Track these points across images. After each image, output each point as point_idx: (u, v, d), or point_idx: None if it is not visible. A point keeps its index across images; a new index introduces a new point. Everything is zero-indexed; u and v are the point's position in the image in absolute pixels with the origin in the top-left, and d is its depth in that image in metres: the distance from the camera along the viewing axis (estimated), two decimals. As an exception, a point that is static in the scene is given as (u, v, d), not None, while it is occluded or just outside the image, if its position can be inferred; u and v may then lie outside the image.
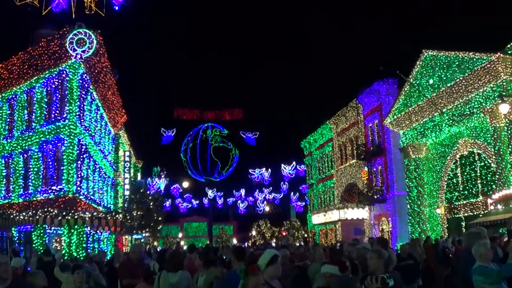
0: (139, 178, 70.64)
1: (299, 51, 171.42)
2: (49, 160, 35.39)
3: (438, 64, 36.22)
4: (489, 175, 33.92)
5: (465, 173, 36.79)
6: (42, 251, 21.25)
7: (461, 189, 37.28)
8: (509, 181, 30.27)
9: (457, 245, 18.91)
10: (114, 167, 53.59)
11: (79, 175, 35.50)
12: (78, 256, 28.10)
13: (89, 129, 38.91)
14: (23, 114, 37.45)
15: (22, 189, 36.36)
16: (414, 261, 14.39)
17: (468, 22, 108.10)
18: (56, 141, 34.90)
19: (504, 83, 30.28)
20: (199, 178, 61.58)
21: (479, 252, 7.68)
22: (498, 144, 31.04)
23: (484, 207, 33.53)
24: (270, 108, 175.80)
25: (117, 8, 21.39)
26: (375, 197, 47.29)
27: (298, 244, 37.51)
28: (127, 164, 56.55)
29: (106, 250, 36.95)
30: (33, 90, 36.96)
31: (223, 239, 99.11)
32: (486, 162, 34.26)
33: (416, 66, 38.37)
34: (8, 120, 38.51)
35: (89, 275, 10.86)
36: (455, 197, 37.90)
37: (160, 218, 58.27)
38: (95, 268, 12.49)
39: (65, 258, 17.97)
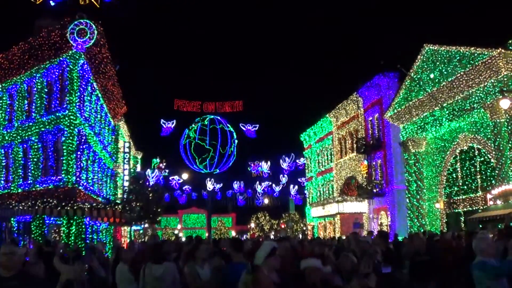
0: (138, 169, 70.63)
1: (300, 44, 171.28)
2: (49, 150, 35.34)
3: (439, 58, 36.20)
4: (488, 170, 33.94)
5: (465, 168, 36.81)
6: (42, 241, 21.27)
7: (460, 184, 37.31)
8: (508, 177, 30.30)
9: (457, 240, 18.80)
10: (113, 158, 53.57)
11: (79, 166, 35.45)
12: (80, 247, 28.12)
13: (89, 119, 38.87)
14: (23, 104, 37.38)
15: (21, 179, 36.31)
16: (432, 257, 14.04)
17: (469, 17, 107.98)
18: (56, 132, 34.84)
19: (505, 79, 30.27)
20: (200, 170, 61.50)
21: (479, 247, 7.65)
22: (498, 139, 31.06)
23: (483, 202, 33.56)
24: (270, 101, 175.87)
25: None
26: (374, 190, 47.30)
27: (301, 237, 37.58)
28: (126, 155, 56.52)
29: (105, 241, 37.04)
30: (34, 80, 36.88)
31: (221, 231, 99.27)
32: (486, 157, 34.28)
33: (417, 60, 38.36)
34: (8, 110, 38.43)
35: (89, 266, 10.88)
36: (454, 192, 37.93)
37: (159, 210, 58.28)
38: (94, 259, 12.49)
39: (69, 249, 17.94)
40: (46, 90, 36.19)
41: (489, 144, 33.01)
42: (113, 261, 14.91)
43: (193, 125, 60.69)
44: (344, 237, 24.78)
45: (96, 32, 33.51)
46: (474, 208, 34.83)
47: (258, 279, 6.02)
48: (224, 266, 9.10)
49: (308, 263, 7.11)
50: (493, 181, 32.26)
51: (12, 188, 36.45)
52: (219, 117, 61.38)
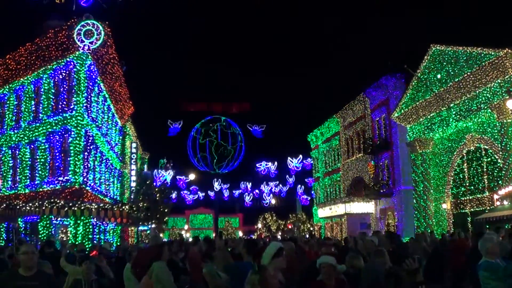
0: (145, 169, 70.78)
1: (307, 45, 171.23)
2: (56, 151, 35.48)
3: (446, 59, 36.11)
4: (495, 171, 33.85)
5: (472, 169, 36.73)
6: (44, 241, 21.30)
7: (467, 184, 37.23)
8: (515, 177, 30.22)
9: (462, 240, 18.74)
10: (120, 158, 53.68)
11: (86, 166, 35.57)
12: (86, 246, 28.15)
13: (96, 120, 38.97)
14: (30, 105, 37.53)
15: (28, 180, 36.47)
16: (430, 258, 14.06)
17: (476, 17, 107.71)
18: (63, 132, 34.98)
19: (512, 79, 30.21)
20: (206, 169, 61.45)
21: (485, 247, 7.64)
22: (505, 139, 30.97)
23: (490, 202, 33.47)
24: (278, 101, 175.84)
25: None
26: (381, 191, 47.24)
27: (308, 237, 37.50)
28: (133, 156, 56.67)
29: (112, 241, 37.12)
30: (41, 81, 37.03)
31: (228, 232, 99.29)
32: (492, 157, 34.19)
33: (423, 61, 38.27)
34: (15, 111, 38.60)
35: (97, 266, 10.90)
36: (461, 192, 37.85)
37: (166, 210, 58.41)
38: (102, 260, 12.48)
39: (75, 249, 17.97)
40: (53, 90, 36.33)
41: (496, 144, 32.92)
42: (116, 260, 14.95)
43: (210, 125, 60.56)
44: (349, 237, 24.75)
45: (103, 33, 33.59)
46: (481, 209, 34.72)
47: (264, 279, 6.06)
48: (233, 264, 9.15)
49: (324, 259, 7.27)
50: (500, 182, 32.16)
51: (19, 188, 36.62)
52: (228, 120, 61.41)
